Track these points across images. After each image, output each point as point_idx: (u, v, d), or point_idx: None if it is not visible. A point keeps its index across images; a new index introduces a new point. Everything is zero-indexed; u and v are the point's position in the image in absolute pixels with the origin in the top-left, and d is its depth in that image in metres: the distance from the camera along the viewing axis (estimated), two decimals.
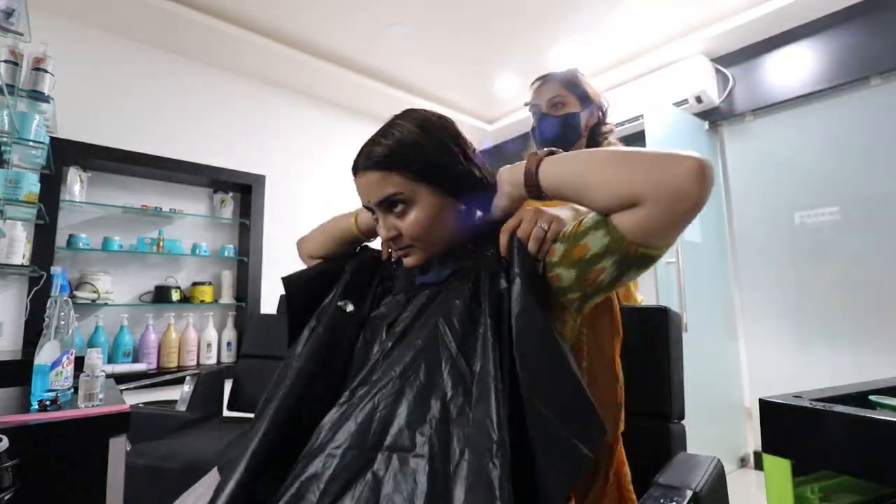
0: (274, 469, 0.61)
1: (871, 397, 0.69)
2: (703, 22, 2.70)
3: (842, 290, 2.36)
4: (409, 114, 0.72)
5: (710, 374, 2.51)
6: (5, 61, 1.76)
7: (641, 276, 1.10)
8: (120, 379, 2.13)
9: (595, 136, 1.23)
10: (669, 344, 1.07)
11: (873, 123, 2.31)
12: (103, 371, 1.12)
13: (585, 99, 1.19)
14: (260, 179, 2.99)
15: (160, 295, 2.59)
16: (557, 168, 0.63)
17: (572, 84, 1.18)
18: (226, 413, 2.20)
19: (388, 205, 0.68)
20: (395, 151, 0.67)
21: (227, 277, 2.88)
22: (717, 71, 2.84)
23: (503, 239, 0.67)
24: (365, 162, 0.68)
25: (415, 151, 0.67)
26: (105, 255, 2.49)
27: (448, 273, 0.73)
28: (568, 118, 1.17)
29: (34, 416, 0.97)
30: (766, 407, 0.65)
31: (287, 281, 0.87)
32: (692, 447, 1.05)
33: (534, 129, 1.23)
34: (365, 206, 0.73)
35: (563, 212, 0.70)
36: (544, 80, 1.21)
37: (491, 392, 0.54)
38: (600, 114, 1.21)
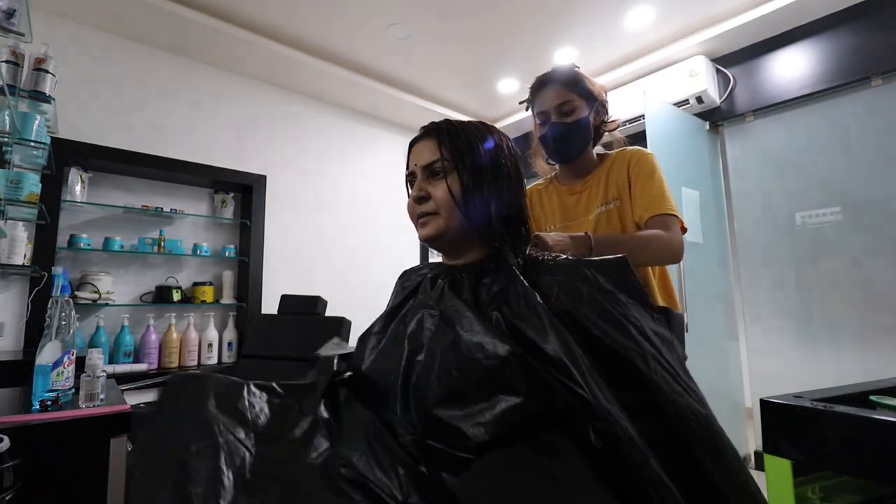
0: None
1: (872, 397, 0.69)
2: (703, 22, 2.70)
3: (843, 290, 2.36)
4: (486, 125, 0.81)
5: (710, 374, 2.51)
6: (6, 62, 1.76)
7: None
8: (121, 379, 2.13)
9: (600, 133, 1.22)
10: None
11: (874, 124, 2.30)
12: (104, 371, 1.12)
13: (590, 98, 1.17)
14: (261, 180, 2.99)
15: (161, 295, 2.59)
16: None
17: (577, 85, 1.15)
18: None
19: (429, 171, 0.75)
20: (454, 131, 0.75)
21: (228, 277, 2.88)
22: (718, 71, 2.84)
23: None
24: (425, 128, 0.78)
25: (471, 142, 0.75)
26: (106, 255, 2.49)
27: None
28: (579, 125, 1.15)
29: (35, 417, 0.97)
30: (767, 407, 0.65)
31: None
32: None
33: (544, 136, 1.19)
34: (407, 175, 0.80)
35: None
36: (548, 83, 1.17)
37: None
38: (603, 109, 1.20)
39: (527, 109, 1.24)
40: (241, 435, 0.59)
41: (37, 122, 1.87)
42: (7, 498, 0.71)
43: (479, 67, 3.15)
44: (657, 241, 1.06)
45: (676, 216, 1.11)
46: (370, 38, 2.81)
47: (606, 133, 1.25)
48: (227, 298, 2.85)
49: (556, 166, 1.30)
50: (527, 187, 1.37)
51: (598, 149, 1.28)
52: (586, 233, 1.00)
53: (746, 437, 2.68)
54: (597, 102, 1.18)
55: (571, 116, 1.14)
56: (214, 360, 2.71)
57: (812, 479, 0.62)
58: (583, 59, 3.02)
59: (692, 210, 2.58)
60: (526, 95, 1.24)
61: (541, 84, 1.18)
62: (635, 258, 1.09)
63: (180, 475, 0.52)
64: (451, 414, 0.56)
